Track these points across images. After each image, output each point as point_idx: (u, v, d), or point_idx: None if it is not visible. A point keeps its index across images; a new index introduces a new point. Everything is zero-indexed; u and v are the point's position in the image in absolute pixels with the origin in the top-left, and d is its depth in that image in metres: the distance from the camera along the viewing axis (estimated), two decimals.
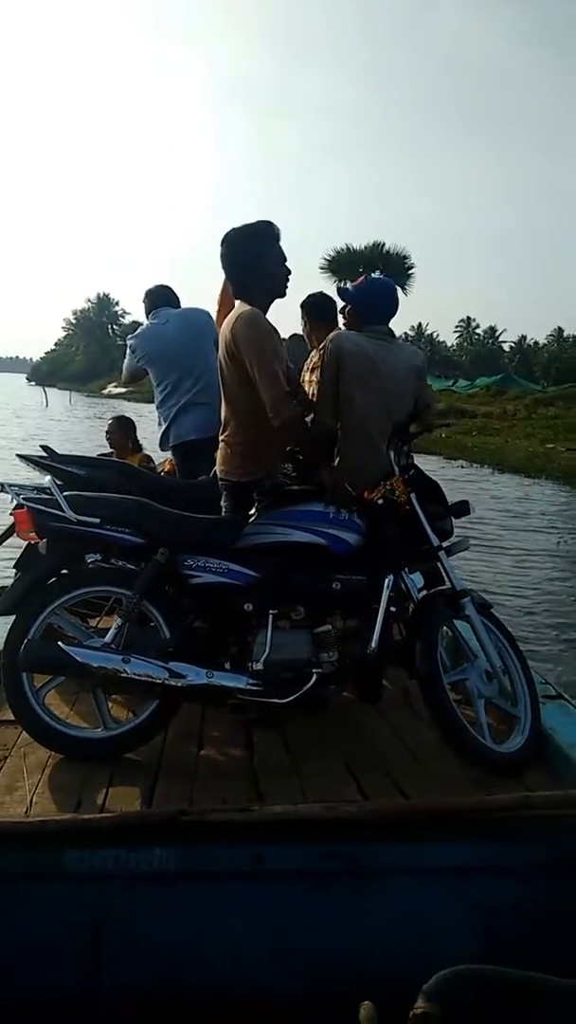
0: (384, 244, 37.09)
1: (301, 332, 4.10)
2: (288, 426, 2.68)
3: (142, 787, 2.35)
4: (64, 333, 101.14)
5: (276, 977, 2.02)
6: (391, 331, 3.21)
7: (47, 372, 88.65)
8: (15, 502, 2.71)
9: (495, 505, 13.64)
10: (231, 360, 2.74)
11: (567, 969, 1.55)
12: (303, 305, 3.89)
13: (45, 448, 3.46)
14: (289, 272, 2.84)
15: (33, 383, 78.14)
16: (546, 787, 2.36)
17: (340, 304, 3.41)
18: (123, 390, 54.21)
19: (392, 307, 3.21)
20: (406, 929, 2.05)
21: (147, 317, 4.27)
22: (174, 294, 4.30)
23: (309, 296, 3.88)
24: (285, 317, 3.94)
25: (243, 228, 2.82)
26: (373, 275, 3.32)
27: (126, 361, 4.31)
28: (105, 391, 60.21)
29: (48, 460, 3.28)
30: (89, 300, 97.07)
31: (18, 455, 3.45)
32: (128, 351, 4.27)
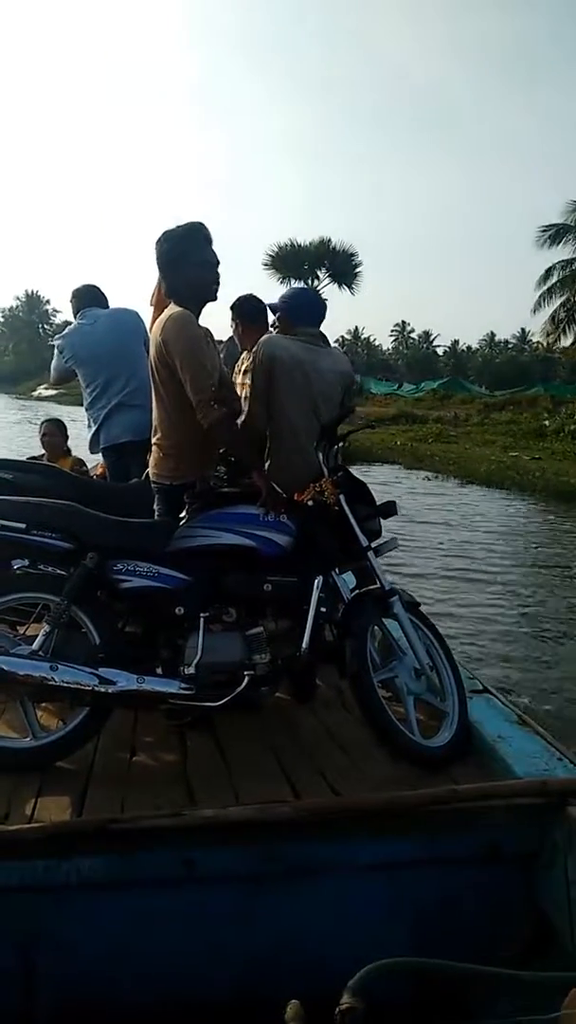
0: (331, 241, 36.32)
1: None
2: (216, 427, 2.68)
3: (72, 796, 2.32)
4: None
5: (210, 979, 2.02)
6: (323, 335, 3.26)
7: None
8: None
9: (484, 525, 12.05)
10: (161, 362, 2.73)
11: (494, 959, 1.60)
12: (233, 307, 3.89)
13: None
14: (217, 276, 2.84)
15: None
16: (473, 779, 2.42)
17: (272, 318, 3.44)
18: (53, 392, 52.62)
19: (319, 311, 3.27)
20: (337, 926, 2.07)
21: (75, 317, 4.20)
22: (102, 294, 4.24)
23: (239, 298, 3.88)
24: (220, 320, 3.94)
25: (175, 229, 2.81)
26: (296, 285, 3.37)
27: (54, 362, 4.23)
28: (35, 393, 57.94)
29: None
30: (18, 298, 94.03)
31: None
32: (56, 352, 4.19)
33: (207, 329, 2.90)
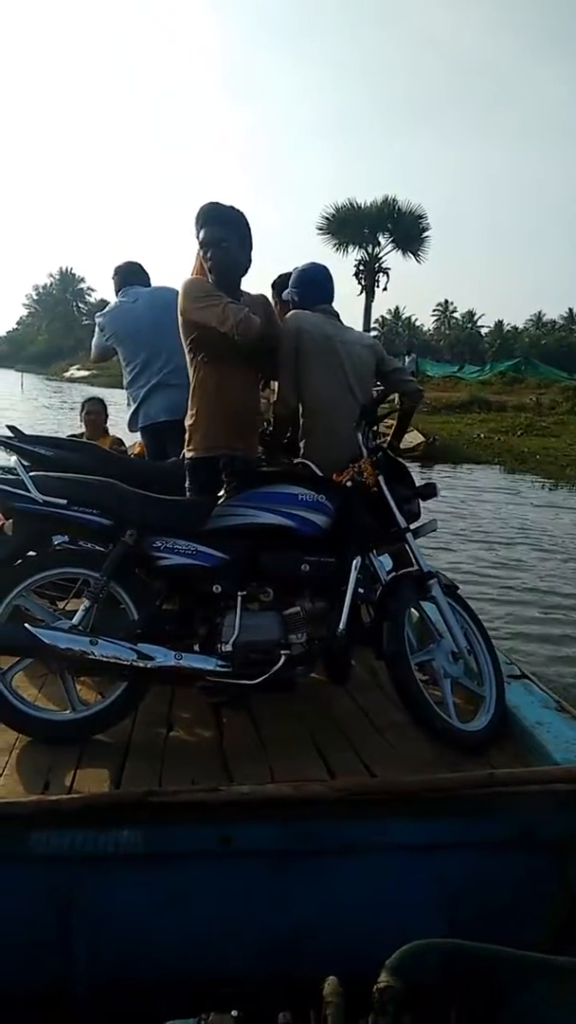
0: (395, 200, 32.48)
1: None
2: (258, 335, 2.79)
3: (111, 769, 2.35)
4: (27, 311, 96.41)
5: (244, 955, 2.04)
6: (336, 314, 3.25)
7: (6, 353, 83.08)
8: None
9: None
10: (185, 332, 2.90)
11: (528, 944, 1.59)
12: (273, 285, 3.86)
13: (11, 428, 3.41)
14: (221, 253, 2.88)
15: None
16: (510, 764, 2.40)
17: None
18: (85, 373, 51.74)
19: (329, 287, 3.29)
20: (371, 906, 2.08)
21: (116, 295, 4.21)
22: (144, 272, 4.25)
23: (279, 276, 3.85)
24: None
25: (215, 206, 2.85)
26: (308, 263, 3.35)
27: (95, 339, 4.25)
28: (67, 374, 57.38)
29: (14, 440, 3.24)
30: (51, 275, 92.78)
31: None
32: (97, 329, 4.21)
33: (264, 296, 3.10)
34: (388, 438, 3.31)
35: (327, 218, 33.03)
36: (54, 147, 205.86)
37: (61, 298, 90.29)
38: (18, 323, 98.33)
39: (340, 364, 3.03)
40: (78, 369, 56.84)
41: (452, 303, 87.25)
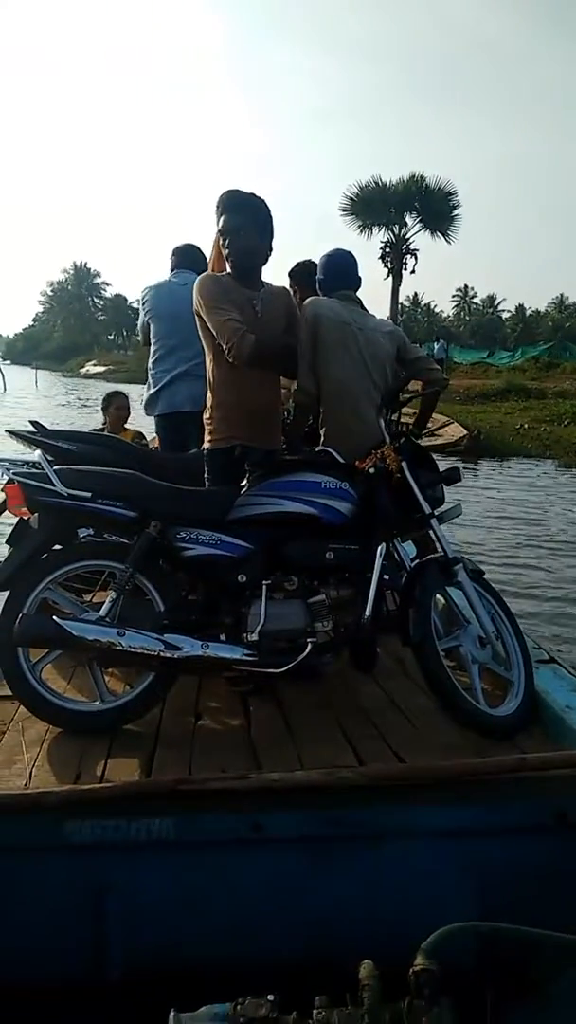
0: (423, 177, 29.94)
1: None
2: (252, 355, 2.74)
3: (141, 758, 2.37)
4: (42, 308, 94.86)
5: (277, 941, 2.05)
6: (359, 300, 3.22)
7: (23, 349, 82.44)
8: (5, 477, 2.70)
9: None
10: (198, 325, 2.92)
11: (563, 929, 1.58)
12: (291, 274, 3.85)
13: (34, 423, 3.43)
14: (234, 241, 2.87)
15: (8, 361, 71.74)
16: (539, 749, 2.39)
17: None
18: (101, 369, 50.69)
19: (352, 273, 3.27)
20: (403, 891, 2.08)
21: (170, 273, 4.20)
22: (203, 258, 4.21)
23: (296, 264, 3.84)
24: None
25: (235, 193, 2.87)
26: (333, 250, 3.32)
27: (139, 320, 4.26)
28: (83, 370, 56.71)
29: (37, 435, 3.26)
30: (66, 271, 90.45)
31: (7, 430, 3.43)
32: (140, 309, 4.21)
33: (285, 289, 3.10)
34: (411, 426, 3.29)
35: (351, 198, 30.64)
36: (64, 140, 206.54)
37: (76, 293, 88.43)
38: (34, 320, 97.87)
39: (359, 351, 3.02)
40: (94, 365, 56.58)
41: (472, 288, 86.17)
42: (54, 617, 2.46)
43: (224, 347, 2.76)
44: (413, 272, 31.77)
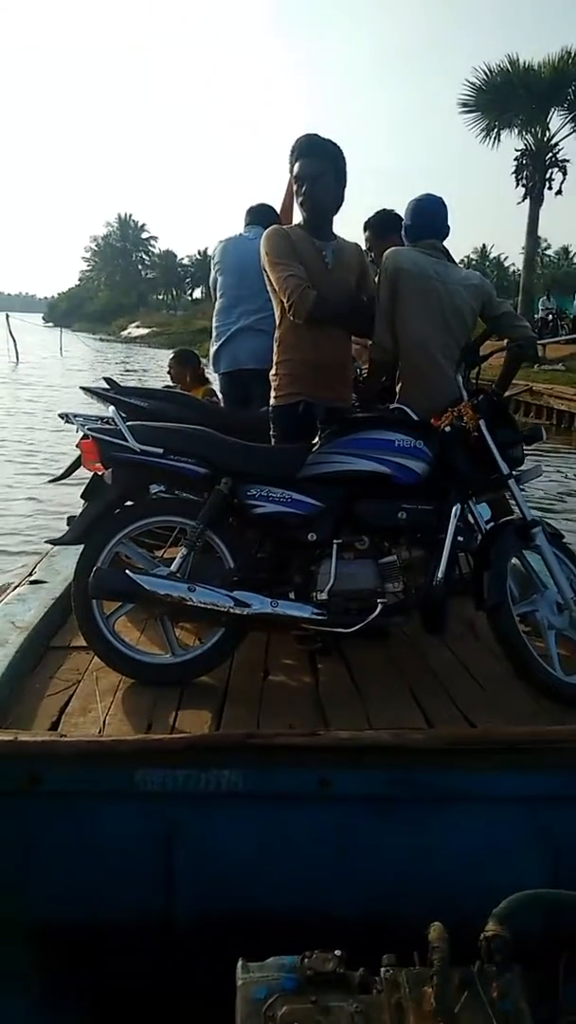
0: None
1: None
2: (314, 312, 2.72)
3: (210, 711, 2.40)
4: (87, 265, 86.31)
5: (345, 897, 2.06)
6: (446, 250, 3.07)
7: (65, 310, 77.10)
8: (81, 432, 2.73)
9: None
10: (266, 279, 2.89)
11: None
12: (367, 226, 3.72)
13: (108, 380, 3.46)
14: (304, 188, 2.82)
15: (51, 324, 67.35)
16: None
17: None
18: (144, 331, 47.78)
19: (441, 221, 3.08)
20: (471, 856, 2.06)
21: (244, 229, 4.21)
22: (276, 217, 4.18)
23: (375, 214, 3.71)
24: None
25: (311, 137, 2.84)
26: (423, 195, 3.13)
27: (211, 275, 4.26)
28: (124, 332, 53.46)
29: (111, 392, 3.28)
30: (109, 224, 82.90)
31: (81, 387, 3.48)
32: (212, 265, 4.23)
33: (358, 246, 3.08)
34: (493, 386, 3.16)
35: (474, 87, 22.46)
36: (106, 88, 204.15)
37: (121, 249, 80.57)
38: (80, 279, 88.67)
39: (439, 305, 2.89)
40: (136, 327, 53.95)
41: (545, 239, 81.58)
42: (127, 571, 2.49)
43: (285, 303, 2.71)
44: (559, 193, 23.12)
